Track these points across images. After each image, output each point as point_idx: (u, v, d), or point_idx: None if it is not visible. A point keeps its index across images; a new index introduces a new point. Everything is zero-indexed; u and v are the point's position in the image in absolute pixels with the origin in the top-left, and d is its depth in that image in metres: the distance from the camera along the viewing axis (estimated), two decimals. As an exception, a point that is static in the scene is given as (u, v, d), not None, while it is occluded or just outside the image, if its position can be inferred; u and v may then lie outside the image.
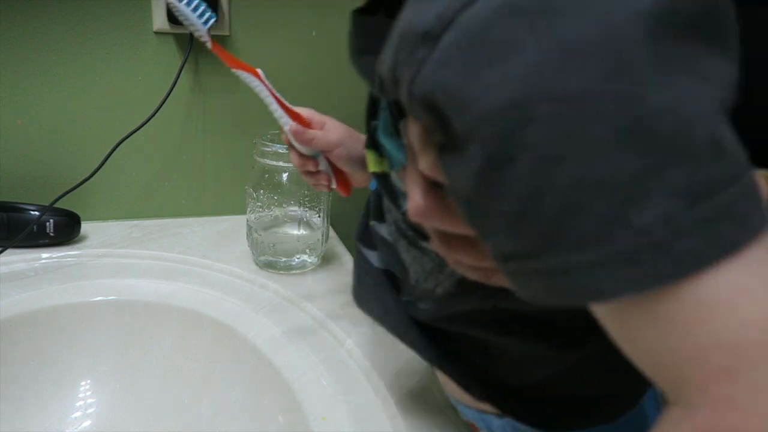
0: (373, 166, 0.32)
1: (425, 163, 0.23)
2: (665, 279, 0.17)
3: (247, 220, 0.65)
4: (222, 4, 0.70)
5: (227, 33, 0.72)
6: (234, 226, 0.76)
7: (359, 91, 0.76)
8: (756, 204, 0.17)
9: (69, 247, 0.65)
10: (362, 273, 0.42)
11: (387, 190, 0.34)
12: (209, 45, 0.41)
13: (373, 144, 0.32)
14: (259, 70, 0.43)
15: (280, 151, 0.60)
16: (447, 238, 0.26)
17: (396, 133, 0.28)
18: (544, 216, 0.18)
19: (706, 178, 0.17)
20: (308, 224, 0.66)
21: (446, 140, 0.21)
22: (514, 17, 0.18)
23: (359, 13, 0.31)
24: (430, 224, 0.26)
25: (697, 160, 0.17)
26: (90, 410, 0.54)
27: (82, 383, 0.55)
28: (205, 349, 0.55)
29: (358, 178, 0.49)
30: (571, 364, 0.35)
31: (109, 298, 0.57)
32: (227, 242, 0.70)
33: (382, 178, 0.33)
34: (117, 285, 0.59)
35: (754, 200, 0.17)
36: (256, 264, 0.65)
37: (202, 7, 0.40)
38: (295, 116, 0.45)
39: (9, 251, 0.60)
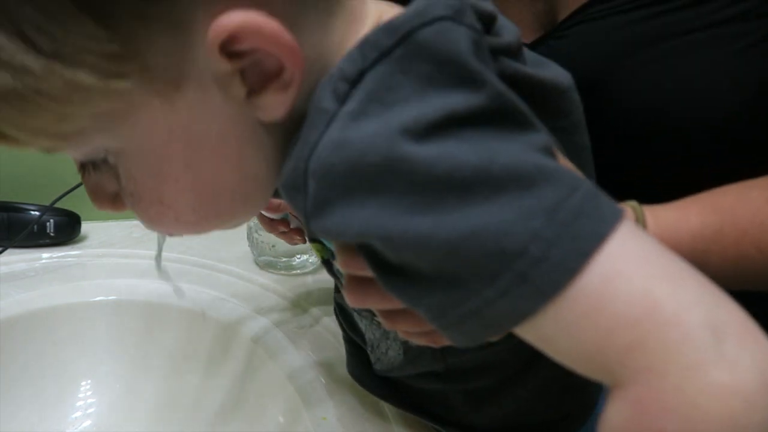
0: (319, 255, 0.37)
1: (339, 261, 0.26)
2: (556, 285, 0.19)
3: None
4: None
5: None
6: (234, 226, 0.76)
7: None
8: (603, 202, 0.20)
9: (69, 247, 0.65)
10: (343, 339, 0.46)
11: (331, 274, 0.38)
12: None
13: (312, 237, 0.36)
14: None
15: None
16: (389, 314, 0.29)
17: None
18: (451, 268, 0.21)
19: (550, 195, 0.20)
20: (308, 224, 0.66)
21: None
22: (349, 177, 0.21)
23: None
24: (368, 307, 0.29)
25: (534, 185, 0.20)
26: (90, 410, 0.54)
27: (82, 383, 0.55)
28: (205, 349, 0.55)
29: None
30: (525, 398, 0.37)
31: (110, 298, 0.57)
32: (227, 242, 0.70)
33: (327, 263, 0.37)
34: (117, 285, 0.58)
35: (600, 200, 0.20)
36: (257, 264, 0.65)
37: None
38: None
39: (9, 251, 0.60)
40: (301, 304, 0.58)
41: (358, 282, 0.27)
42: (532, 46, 0.44)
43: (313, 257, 0.66)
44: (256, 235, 0.64)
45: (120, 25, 0.20)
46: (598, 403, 0.40)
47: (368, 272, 0.24)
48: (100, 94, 0.22)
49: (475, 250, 0.20)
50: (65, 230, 0.65)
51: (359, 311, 0.39)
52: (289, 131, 0.25)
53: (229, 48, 0.22)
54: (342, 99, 0.22)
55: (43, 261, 0.62)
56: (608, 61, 0.41)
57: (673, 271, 0.20)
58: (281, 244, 0.64)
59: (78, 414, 0.54)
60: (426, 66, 0.21)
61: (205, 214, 0.26)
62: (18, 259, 0.61)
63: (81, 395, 0.55)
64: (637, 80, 0.40)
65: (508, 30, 0.27)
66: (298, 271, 0.65)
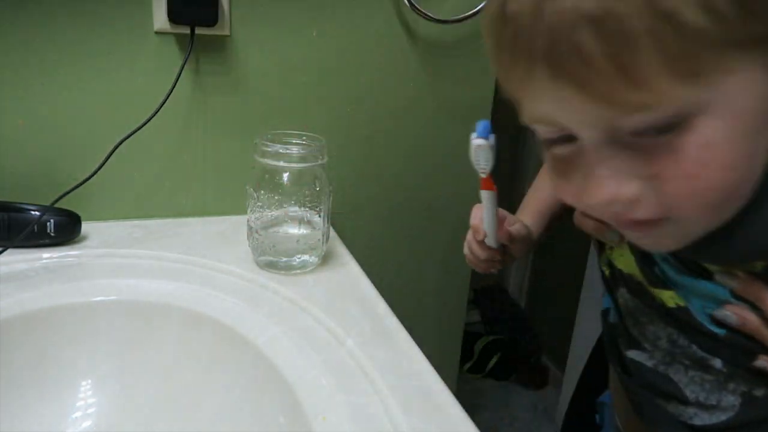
0: (672, 302, 0.39)
1: None
2: None
3: (248, 220, 0.65)
4: (222, 4, 0.70)
5: (227, 33, 0.72)
6: (234, 226, 0.76)
7: (358, 91, 0.76)
8: None
9: (69, 247, 0.65)
10: (630, 393, 0.46)
11: (681, 322, 0.39)
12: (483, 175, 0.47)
13: (662, 284, 0.38)
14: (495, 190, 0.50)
15: (280, 151, 0.60)
16: None
17: (691, 274, 0.35)
18: None
19: None
20: (309, 224, 0.66)
21: None
22: None
23: None
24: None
25: None
26: (90, 410, 0.54)
27: (82, 383, 0.55)
28: (206, 349, 0.55)
29: (515, 254, 0.58)
30: None
31: (110, 298, 0.57)
32: (228, 242, 0.70)
33: (681, 310, 0.38)
34: (117, 285, 0.58)
35: None
36: (257, 264, 0.65)
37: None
38: (500, 223, 0.54)
39: (9, 251, 0.60)
40: (301, 304, 0.58)
41: None
42: None
43: (313, 257, 0.66)
44: (256, 235, 0.64)
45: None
46: None
47: None
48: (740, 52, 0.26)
49: None
50: (65, 230, 0.65)
51: (689, 365, 0.40)
52: None
53: None
54: None
55: (43, 261, 0.62)
56: None
57: None
58: (281, 244, 0.64)
59: (78, 414, 0.54)
60: None
61: (739, 186, 0.29)
62: (18, 259, 0.62)
63: (81, 395, 0.55)
64: None
65: None
66: (298, 271, 0.65)
